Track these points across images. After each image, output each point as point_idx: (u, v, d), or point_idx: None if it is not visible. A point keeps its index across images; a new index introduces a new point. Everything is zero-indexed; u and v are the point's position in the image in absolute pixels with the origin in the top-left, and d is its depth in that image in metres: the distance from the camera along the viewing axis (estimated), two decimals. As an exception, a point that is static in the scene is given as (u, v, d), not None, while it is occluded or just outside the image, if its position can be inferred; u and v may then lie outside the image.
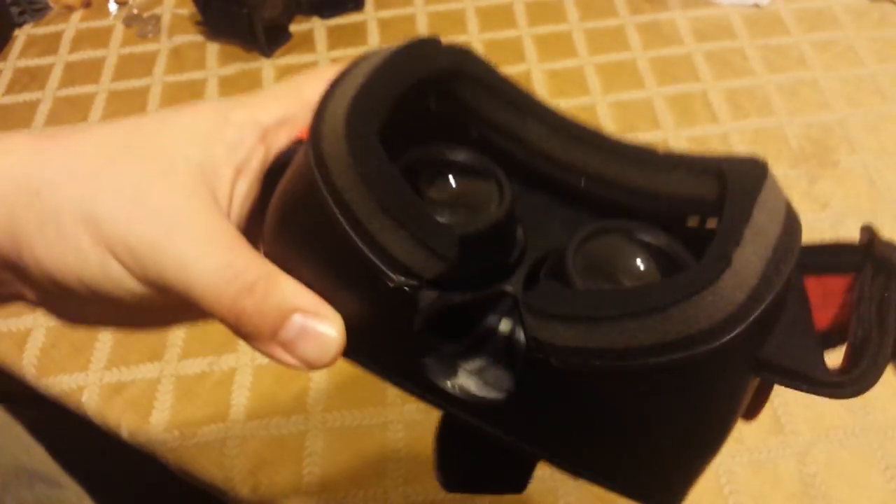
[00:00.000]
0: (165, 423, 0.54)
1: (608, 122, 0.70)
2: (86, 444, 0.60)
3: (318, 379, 0.55)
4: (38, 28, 0.85)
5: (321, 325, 0.21)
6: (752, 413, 0.22)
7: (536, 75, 0.75)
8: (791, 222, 0.20)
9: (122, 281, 0.22)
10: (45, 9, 0.86)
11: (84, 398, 0.55)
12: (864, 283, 0.22)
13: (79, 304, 0.23)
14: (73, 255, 0.21)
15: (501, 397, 0.22)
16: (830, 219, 0.62)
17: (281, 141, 0.25)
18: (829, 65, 0.74)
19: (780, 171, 0.66)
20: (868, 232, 0.23)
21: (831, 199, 0.64)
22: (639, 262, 0.22)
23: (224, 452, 0.52)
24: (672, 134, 0.69)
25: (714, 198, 0.21)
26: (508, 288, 0.22)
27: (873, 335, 0.21)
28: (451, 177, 0.24)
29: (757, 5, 0.79)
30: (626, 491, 0.22)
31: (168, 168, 0.22)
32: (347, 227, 0.20)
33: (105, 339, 0.59)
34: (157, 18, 0.84)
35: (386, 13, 0.82)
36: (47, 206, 0.21)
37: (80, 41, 0.83)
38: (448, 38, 0.23)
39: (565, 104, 0.72)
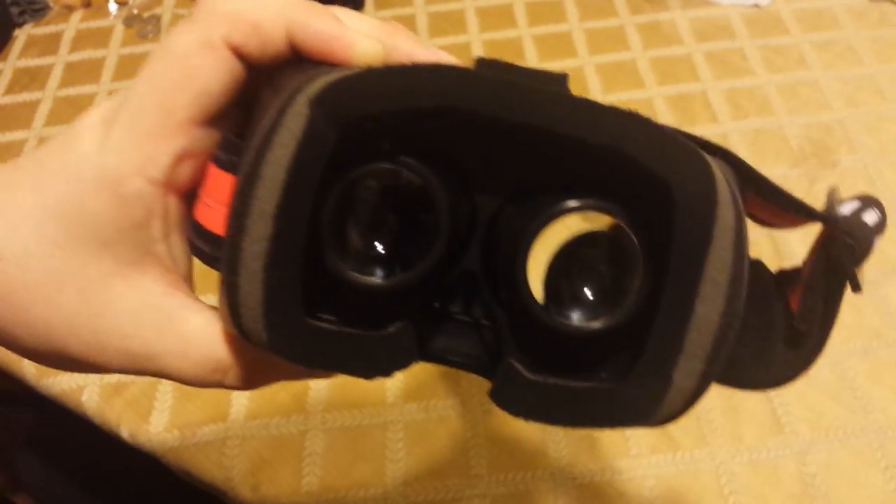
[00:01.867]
0: (165, 423, 0.54)
1: (608, 122, 0.70)
2: (86, 444, 0.60)
3: (318, 379, 0.55)
4: (38, 28, 0.85)
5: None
6: None
7: (536, 75, 0.75)
8: (739, 270, 0.20)
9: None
10: (45, 9, 0.86)
11: (84, 398, 0.55)
12: (816, 269, 0.24)
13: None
14: (51, 362, 0.24)
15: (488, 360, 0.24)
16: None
17: (185, 174, 0.23)
18: (829, 65, 0.74)
19: (780, 171, 0.66)
20: (832, 196, 0.25)
21: (831, 199, 0.64)
22: (591, 277, 0.23)
23: (224, 452, 0.52)
24: (672, 134, 0.69)
25: (658, 200, 0.21)
26: (469, 266, 0.23)
27: (814, 326, 0.24)
28: (386, 209, 0.23)
29: (757, 5, 0.79)
30: None
31: (104, 289, 0.23)
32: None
33: (105, 339, 0.59)
34: (157, 18, 0.84)
35: (386, 13, 0.82)
36: (21, 344, 0.23)
37: (80, 41, 0.83)
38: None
39: (565, 104, 0.72)
